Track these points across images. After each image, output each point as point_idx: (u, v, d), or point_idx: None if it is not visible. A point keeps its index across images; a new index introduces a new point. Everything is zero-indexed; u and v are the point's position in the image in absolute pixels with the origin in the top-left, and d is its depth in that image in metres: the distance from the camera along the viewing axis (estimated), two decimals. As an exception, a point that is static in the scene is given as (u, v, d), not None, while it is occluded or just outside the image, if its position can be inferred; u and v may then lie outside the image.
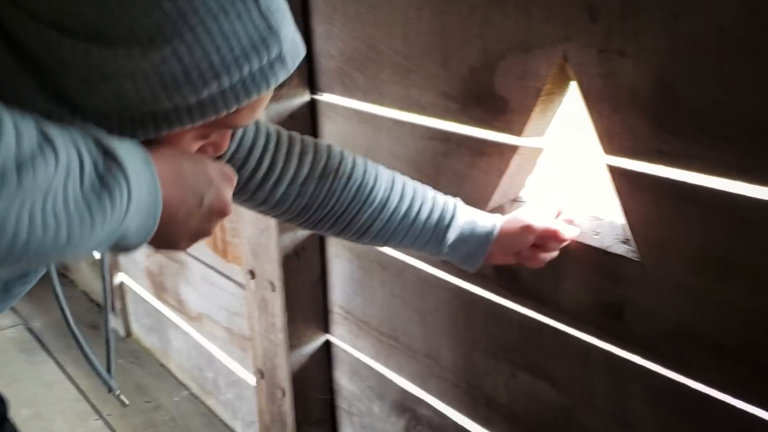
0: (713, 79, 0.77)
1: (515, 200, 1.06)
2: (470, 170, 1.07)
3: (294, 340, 1.47)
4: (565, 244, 0.95)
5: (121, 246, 0.55)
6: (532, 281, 1.03)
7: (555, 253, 0.96)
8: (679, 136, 0.82)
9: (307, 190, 0.90)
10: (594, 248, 0.94)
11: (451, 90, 1.07)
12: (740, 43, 0.73)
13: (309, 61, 1.32)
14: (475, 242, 0.95)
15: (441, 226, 0.94)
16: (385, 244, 0.97)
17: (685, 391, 0.88)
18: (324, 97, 1.34)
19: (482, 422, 1.19)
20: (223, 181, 0.64)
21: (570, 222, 0.96)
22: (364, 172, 0.92)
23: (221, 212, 0.65)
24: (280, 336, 1.47)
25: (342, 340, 1.48)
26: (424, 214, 0.94)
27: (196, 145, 0.64)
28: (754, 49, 0.73)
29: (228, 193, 0.65)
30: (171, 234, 0.61)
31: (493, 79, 1.00)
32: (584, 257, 0.95)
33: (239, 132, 0.87)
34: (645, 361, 0.92)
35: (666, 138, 0.83)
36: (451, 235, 0.94)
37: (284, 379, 1.50)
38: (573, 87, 0.94)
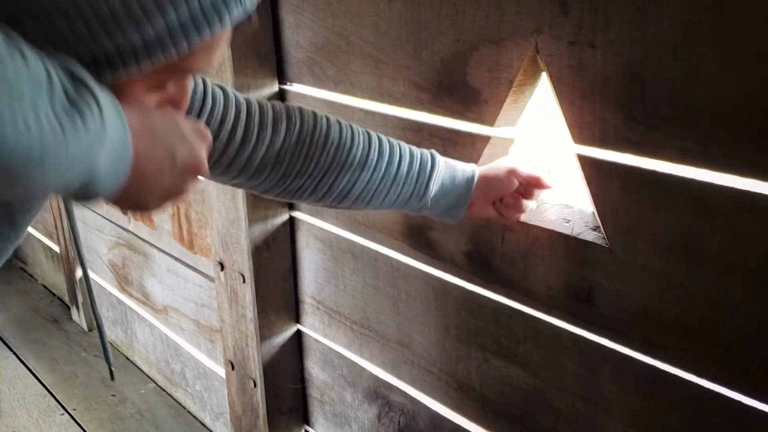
0: (680, 71, 0.79)
1: (487, 189, 1.08)
2: (442, 160, 1.09)
3: (265, 330, 1.47)
4: (545, 190, 0.98)
5: (89, 190, 0.50)
6: (504, 268, 1.05)
7: (534, 204, 0.98)
8: (647, 126, 0.84)
9: (284, 157, 0.87)
10: (564, 235, 0.97)
11: (423, 81, 1.08)
12: (707, 35, 0.76)
13: (278, 50, 1.32)
14: (457, 190, 0.95)
15: (422, 179, 0.92)
16: (366, 205, 0.94)
17: (653, 372, 0.91)
18: (294, 88, 1.33)
19: (454, 407, 1.22)
20: (196, 137, 0.61)
21: (547, 174, 0.98)
22: (340, 133, 0.89)
23: (195, 169, 0.60)
24: (250, 327, 1.47)
25: (313, 329, 1.49)
26: (404, 169, 0.91)
27: (152, 99, 0.59)
28: (720, 41, 0.75)
29: (202, 150, 0.61)
30: (141, 191, 0.56)
31: (465, 70, 1.02)
32: (555, 244, 0.98)
33: (209, 103, 0.84)
34: (614, 344, 0.95)
35: (634, 128, 0.85)
36: (433, 187, 0.93)
37: (255, 370, 1.50)
38: (544, 78, 0.96)
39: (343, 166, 0.89)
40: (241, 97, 0.89)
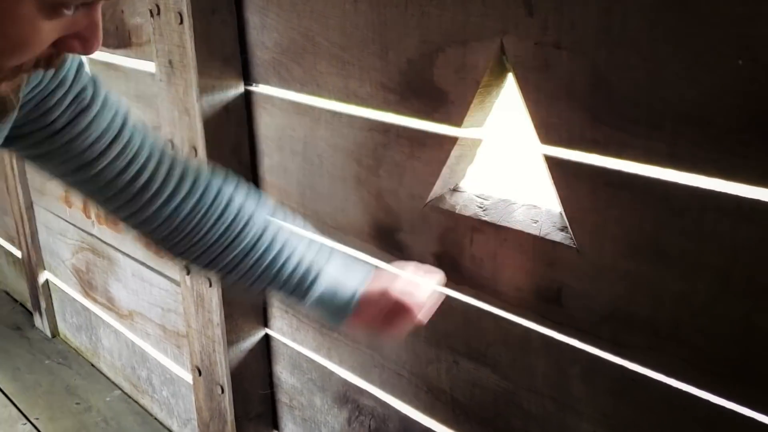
0: (645, 71, 0.80)
1: (455, 190, 1.08)
2: (410, 161, 1.08)
3: (232, 335, 1.45)
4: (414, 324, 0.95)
5: None
6: (473, 269, 1.04)
7: (407, 328, 0.96)
8: (613, 126, 0.84)
9: (177, 215, 0.88)
10: (533, 236, 0.96)
11: (390, 82, 1.07)
12: (671, 36, 0.76)
13: (243, 52, 1.30)
14: (335, 307, 0.95)
15: (303, 286, 0.94)
16: (250, 287, 0.95)
17: (623, 372, 0.91)
18: (259, 89, 1.32)
19: (424, 410, 1.21)
20: None
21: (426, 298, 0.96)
22: (237, 213, 0.91)
23: None
24: (217, 332, 1.44)
25: (282, 333, 1.47)
26: (288, 270, 0.93)
27: (50, 28, 0.52)
28: (683, 41, 0.76)
29: None
30: None
31: (431, 71, 1.01)
32: (523, 245, 0.98)
33: (125, 137, 0.85)
34: (583, 344, 0.95)
35: (600, 128, 0.85)
36: (312, 295, 0.94)
37: (223, 376, 1.48)
38: (510, 79, 0.95)
39: (229, 246, 0.90)
40: (159, 141, 0.89)
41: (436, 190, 1.07)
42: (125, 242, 1.84)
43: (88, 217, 1.98)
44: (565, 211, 0.92)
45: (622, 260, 0.88)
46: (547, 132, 0.91)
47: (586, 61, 0.84)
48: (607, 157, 0.87)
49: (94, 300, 2.11)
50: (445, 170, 1.04)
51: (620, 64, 0.81)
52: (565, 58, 0.86)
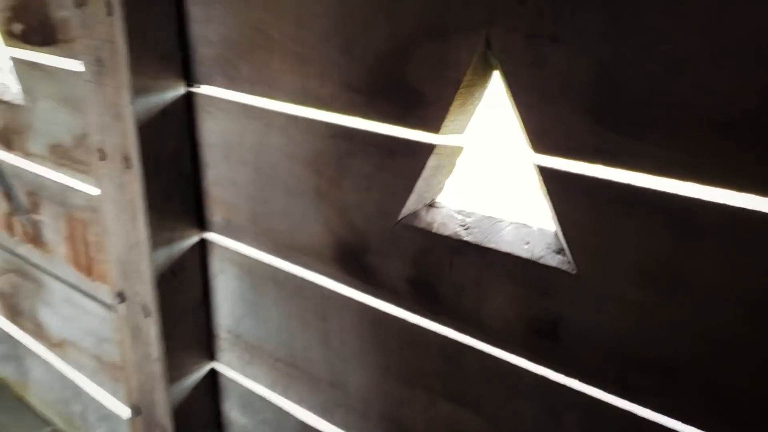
0: (661, 67, 0.67)
1: (432, 206, 0.94)
2: (379, 173, 0.94)
3: (174, 371, 1.28)
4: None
5: None
6: (453, 298, 0.91)
7: None
8: (621, 132, 0.72)
9: None
10: (523, 260, 0.83)
11: (356, 81, 0.93)
12: (694, 25, 0.64)
13: (184, 48, 1.14)
14: None
15: None
16: None
17: (630, 419, 0.78)
18: (203, 90, 1.16)
19: (395, 455, 1.06)
20: None
21: None
22: None
23: None
24: (157, 367, 1.27)
25: (231, 367, 1.30)
26: None
27: None
28: (709, 30, 0.63)
29: None
30: None
31: (404, 68, 0.87)
32: (513, 270, 0.84)
33: None
34: (583, 386, 0.82)
35: (605, 134, 0.73)
36: None
37: (164, 416, 1.31)
38: (497, 77, 0.82)
39: None
40: None
41: (410, 205, 0.93)
42: (55, 264, 1.65)
43: (12, 234, 1.78)
44: (562, 230, 0.79)
45: (632, 288, 0.75)
46: (541, 139, 0.78)
47: (589, 56, 0.71)
48: (613, 168, 0.74)
49: (22, 326, 1.91)
50: (420, 183, 0.90)
51: (631, 59, 0.69)
52: (564, 53, 0.73)
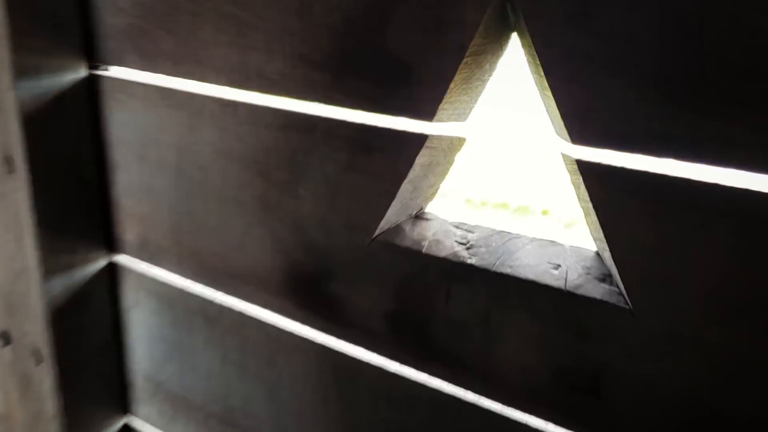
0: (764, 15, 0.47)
1: (421, 217, 0.71)
2: (349, 174, 0.70)
3: (76, 429, 1.01)
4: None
5: None
6: (451, 340, 0.68)
7: None
8: (704, 113, 0.51)
9: None
10: (551, 288, 0.61)
11: (316, 52, 0.69)
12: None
13: (85, 16, 0.88)
14: None
15: None
16: None
17: (707, 506, 0.58)
18: (111, 72, 0.90)
19: None
20: None
21: None
22: None
23: None
24: (53, 427, 0.99)
25: (150, 423, 1.04)
26: None
27: None
28: None
29: None
30: None
31: (384, 31, 0.64)
32: (535, 302, 0.62)
33: None
34: (635, 458, 0.61)
35: (681, 116, 0.52)
36: None
37: (63, 489, 1.03)
38: (515, 41, 0.61)
39: None
40: None
41: (390, 217, 0.70)
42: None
43: None
44: (610, 249, 0.58)
45: (714, 329, 0.54)
46: (584, 124, 0.56)
47: (657, 5, 0.51)
48: (689, 163, 0.53)
49: None
50: (404, 187, 0.68)
51: (717, 7, 0.49)
52: (620, 3, 0.52)
